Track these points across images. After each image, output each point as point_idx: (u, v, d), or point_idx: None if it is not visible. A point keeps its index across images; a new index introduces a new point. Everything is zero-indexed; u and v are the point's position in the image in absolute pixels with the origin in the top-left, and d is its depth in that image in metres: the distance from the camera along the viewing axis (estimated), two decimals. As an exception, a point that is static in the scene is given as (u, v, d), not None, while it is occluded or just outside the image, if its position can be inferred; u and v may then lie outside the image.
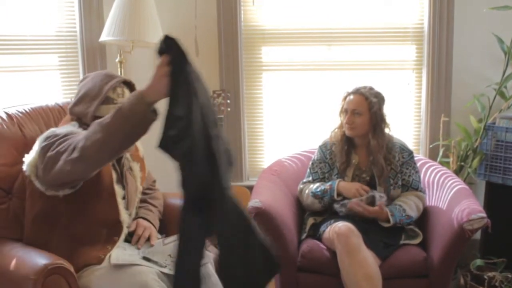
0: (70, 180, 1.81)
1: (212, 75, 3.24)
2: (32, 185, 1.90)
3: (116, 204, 1.99)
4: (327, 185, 2.49)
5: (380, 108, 2.51)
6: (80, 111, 1.99)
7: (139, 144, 2.27)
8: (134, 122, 1.59)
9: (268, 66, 3.29)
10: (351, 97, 2.52)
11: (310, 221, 2.52)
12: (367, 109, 2.47)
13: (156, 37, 2.92)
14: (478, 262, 2.84)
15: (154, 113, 1.60)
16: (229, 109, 3.13)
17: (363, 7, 3.17)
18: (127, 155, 2.14)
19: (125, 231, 2.02)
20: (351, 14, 3.17)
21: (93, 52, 3.12)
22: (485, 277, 2.70)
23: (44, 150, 1.82)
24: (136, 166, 2.16)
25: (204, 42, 3.22)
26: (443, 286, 2.32)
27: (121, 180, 2.06)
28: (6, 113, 2.14)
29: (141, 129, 1.62)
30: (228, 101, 3.12)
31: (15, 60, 2.93)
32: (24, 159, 1.92)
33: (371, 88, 2.53)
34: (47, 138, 1.86)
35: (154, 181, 2.43)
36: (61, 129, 1.91)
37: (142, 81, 3.45)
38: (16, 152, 2.07)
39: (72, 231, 1.91)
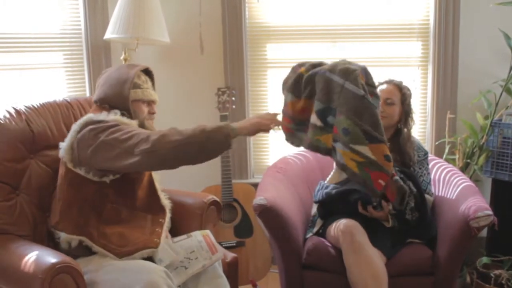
0: (122, 170, 1.92)
1: (217, 73, 3.24)
2: (70, 173, 1.93)
3: (155, 189, 2.10)
4: None
5: (410, 101, 2.55)
6: (114, 96, 2.06)
7: None
8: (212, 143, 1.82)
9: (273, 63, 3.29)
10: (384, 86, 2.54)
11: (320, 222, 2.51)
12: (399, 99, 2.51)
13: (160, 34, 2.92)
14: (485, 259, 2.83)
15: (229, 145, 1.84)
16: (234, 106, 3.13)
17: (368, 3, 3.15)
18: None
19: (168, 214, 2.11)
20: (357, 11, 3.16)
21: (97, 50, 3.12)
22: (492, 274, 2.69)
23: (94, 132, 1.88)
24: None
25: (209, 39, 3.21)
26: (449, 284, 2.31)
27: None
28: (14, 108, 2.14)
29: (214, 153, 1.86)
30: (233, 98, 3.12)
31: (20, 58, 2.93)
32: (60, 145, 1.98)
33: (402, 81, 2.57)
34: (93, 122, 1.93)
35: None
36: (103, 116, 1.97)
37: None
38: (24, 148, 2.08)
39: (118, 217, 1.96)
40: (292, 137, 2.14)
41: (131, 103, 2.06)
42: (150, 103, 2.14)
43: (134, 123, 2.01)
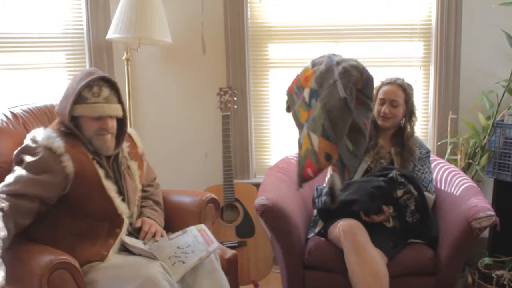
0: None
1: (218, 73, 3.24)
2: None
3: (109, 198, 1.97)
4: None
5: (413, 99, 2.57)
6: (59, 111, 1.99)
7: (138, 141, 2.27)
8: None
9: (275, 63, 3.28)
10: (388, 87, 2.54)
11: (321, 223, 2.51)
12: (403, 100, 2.53)
13: (162, 34, 2.92)
14: (486, 260, 2.83)
15: None
16: (235, 106, 3.13)
17: (370, 4, 3.15)
18: (125, 153, 2.14)
19: (126, 222, 2.02)
20: (359, 11, 3.16)
21: (99, 50, 3.13)
22: (493, 275, 2.68)
23: (14, 159, 1.92)
24: (134, 165, 2.16)
25: (211, 39, 3.22)
26: (451, 284, 2.31)
27: (114, 176, 2.05)
28: (11, 112, 2.16)
29: None
30: (235, 98, 3.12)
31: (22, 58, 2.94)
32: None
33: (404, 80, 2.58)
34: (23, 146, 1.93)
35: (155, 178, 2.42)
36: (39, 134, 1.93)
37: (148, 78, 3.48)
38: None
39: (74, 229, 1.92)
40: (290, 98, 2.24)
41: (79, 119, 1.94)
42: (105, 118, 1.95)
43: (61, 148, 1.88)
